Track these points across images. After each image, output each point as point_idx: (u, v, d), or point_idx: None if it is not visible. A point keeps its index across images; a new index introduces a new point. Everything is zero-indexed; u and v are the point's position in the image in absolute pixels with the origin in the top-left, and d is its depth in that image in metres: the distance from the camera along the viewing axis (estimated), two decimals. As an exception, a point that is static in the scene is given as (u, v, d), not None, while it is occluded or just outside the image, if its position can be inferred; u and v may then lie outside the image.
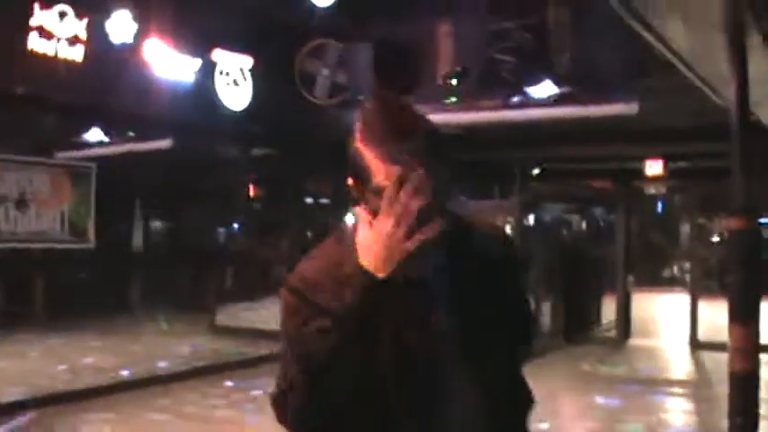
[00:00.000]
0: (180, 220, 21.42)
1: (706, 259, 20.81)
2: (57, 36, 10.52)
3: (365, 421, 2.01)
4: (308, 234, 15.54)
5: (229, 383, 11.22)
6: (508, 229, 13.25)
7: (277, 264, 20.62)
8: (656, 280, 25.87)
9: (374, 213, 1.89)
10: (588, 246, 20.68)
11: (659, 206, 30.01)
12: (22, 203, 12.53)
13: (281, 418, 2.02)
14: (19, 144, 13.68)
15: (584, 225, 23.34)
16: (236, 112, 12.59)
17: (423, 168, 1.85)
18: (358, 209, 1.96)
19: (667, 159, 13.79)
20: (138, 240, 20.20)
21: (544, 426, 8.32)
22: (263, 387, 10.93)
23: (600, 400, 9.97)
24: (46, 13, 10.48)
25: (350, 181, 2.02)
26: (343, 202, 15.09)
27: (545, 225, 17.91)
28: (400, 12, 12.70)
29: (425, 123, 2.02)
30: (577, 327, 14.76)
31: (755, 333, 3.67)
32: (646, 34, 5.91)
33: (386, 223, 1.85)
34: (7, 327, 14.00)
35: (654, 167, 13.89)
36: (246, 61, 12.74)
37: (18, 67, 10.61)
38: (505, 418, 2.11)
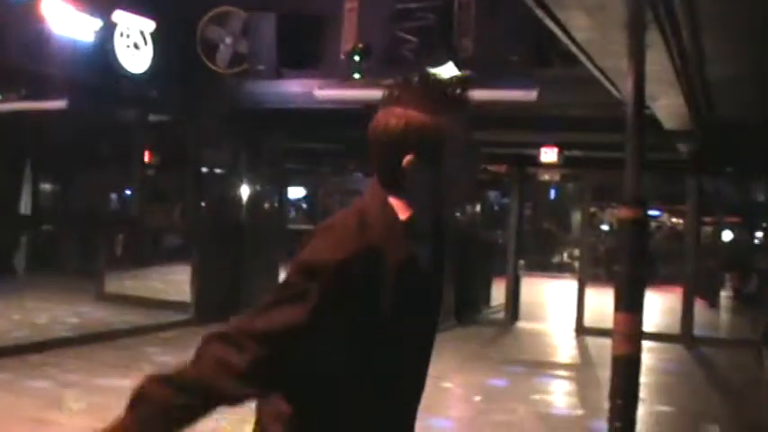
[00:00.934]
0: (72, 184, 20.87)
1: (595, 247, 21.39)
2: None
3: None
4: (202, 203, 15.33)
5: (115, 352, 11.03)
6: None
7: (169, 232, 20.35)
8: (546, 265, 26.42)
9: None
10: (481, 229, 21.00)
11: (552, 193, 30.63)
12: None
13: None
14: None
15: (478, 208, 23.63)
16: (135, 75, 12.31)
17: None
18: (395, 199, 2.07)
19: (563, 148, 14.06)
20: (26, 203, 19.61)
21: (429, 402, 8.42)
22: (150, 356, 10.81)
23: (487, 380, 10.15)
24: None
25: (411, 158, 2.02)
26: (239, 172, 14.95)
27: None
28: (306, -16, 12.66)
29: None
30: (468, 308, 14.98)
31: (639, 320, 3.79)
32: (550, 24, 6.01)
33: None
34: None
35: (549, 155, 14.13)
36: (148, 24, 12.46)
37: None
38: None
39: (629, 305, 3.75)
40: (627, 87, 4.04)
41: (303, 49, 12.78)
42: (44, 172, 20.44)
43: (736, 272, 20.46)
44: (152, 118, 15.10)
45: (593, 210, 21.55)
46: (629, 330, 3.78)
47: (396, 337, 2.04)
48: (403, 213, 2.06)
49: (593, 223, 22.76)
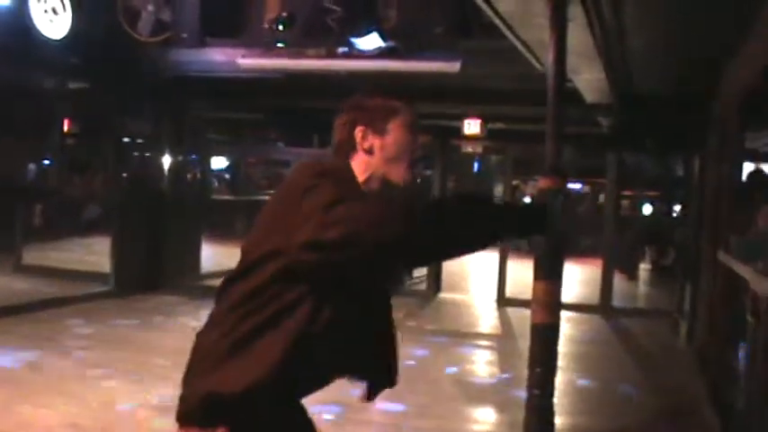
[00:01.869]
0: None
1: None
2: None
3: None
4: (123, 174, 15.07)
5: (33, 324, 10.84)
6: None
7: (89, 202, 20.00)
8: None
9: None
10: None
11: (476, 166, 30.86)
12: None
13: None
14: None
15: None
16: (53, 41, 12.01)
17: None
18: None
19: (486, 120, 14.14)
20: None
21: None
22: (70, 328, 10.65)
23: (409, 350, 10.23)
24: None
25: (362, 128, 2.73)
26: (161, 142, 14.72)
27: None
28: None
29: None
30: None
31: (557, 288, 3.85)
32: (473, -5, 6.04)
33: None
34: None
35: (472, 126, 14.20)
36: (66, -10, 12.18)
37: None
38: None
39: (548, 273, 3.81)
40: (548, 60, 4.07)
41: (227, 17, 12.63)
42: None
43: (654, 245, 20.92)
44: (72, 86, 14.76)
45: (515, 182, 21.79)
46: (548, 299, 3.83)
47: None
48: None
49: (516, 195, 22.99)
